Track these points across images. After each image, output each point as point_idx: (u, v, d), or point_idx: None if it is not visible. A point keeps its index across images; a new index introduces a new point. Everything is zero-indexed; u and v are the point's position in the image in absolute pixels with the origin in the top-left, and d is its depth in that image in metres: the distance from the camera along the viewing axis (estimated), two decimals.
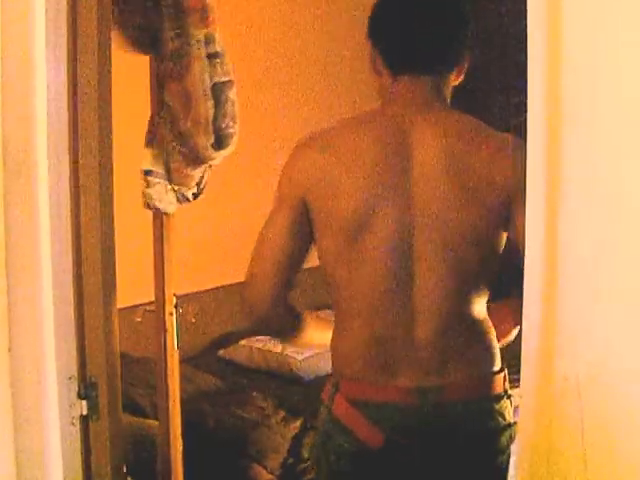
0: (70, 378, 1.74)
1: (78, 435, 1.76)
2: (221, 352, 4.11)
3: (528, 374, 1.33)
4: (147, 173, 2.22)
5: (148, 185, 2.21)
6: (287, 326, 1.90)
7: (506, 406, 1.82)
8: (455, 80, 1.84)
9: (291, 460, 3.08)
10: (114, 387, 1.80)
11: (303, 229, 1.78)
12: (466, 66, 1.83)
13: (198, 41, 2.06)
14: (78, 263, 1.74)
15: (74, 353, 1.75)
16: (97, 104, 1.72)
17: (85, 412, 1.76)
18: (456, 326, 1.76)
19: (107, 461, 1.79)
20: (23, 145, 1.65)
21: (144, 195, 2.24)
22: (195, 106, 2.10)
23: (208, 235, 4.10)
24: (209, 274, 4.17)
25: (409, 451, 1.75)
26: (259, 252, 1.84)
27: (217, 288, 4.25)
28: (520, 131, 1.37)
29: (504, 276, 1.77)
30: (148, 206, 2.25)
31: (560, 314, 1.27)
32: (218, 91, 2.11)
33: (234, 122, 2.15)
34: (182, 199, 2.28)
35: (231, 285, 4.32)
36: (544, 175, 1.27)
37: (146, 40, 2.04)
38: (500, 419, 1.79)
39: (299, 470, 3.08)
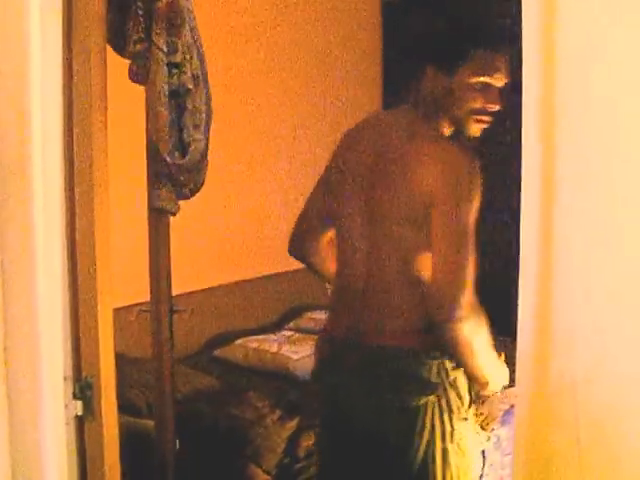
0: (65, 378, 1.74)
1: (73, 435, 1.76)
2: (217, 352, 4.10)
3: (523, 375, 1.33)
4: (155, 175, 2.22)
5: (155, 186, 2.21)
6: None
7: (425, 363, 2.06)
8: (424, 90, 2.10)
9: (287, 460, 3.08)
10: (109, 387, 1.80)
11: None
12: (425, 78, 2.09)
13: (159, 49, 2.07)
14: (73, 262, 1.74)
15: (69, 353, 1.75)
16: (93, 102, 1.72)
17: (80, 412, 1.75)
18: (392, 289, 2.11)
19: (102, 461, 1.79)
20: (18, 144, 1.65)
21: (150, 197, 2.23)
22: (153, 112, 2.12)
23: (204, 235, 4.10)
24: (205, 274, 4.17)
25: (339, 373, 2.20)
26: None
27: (212, 288, 4.25)
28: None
29: None
30: (153, 208, 2.24)
31: (555, 315, 1.27)
32: (175, 100, 2.13)
33: (197, 130, 2.16)
34: (181, 196, 2.28)
35: (227, 285, 4.33)
36: (538, 173, 1.27)
37: (112, 35, 2.03)
38: (412, 368, 2.06)
39: (295, 470, 3.08)
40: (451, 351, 2.02)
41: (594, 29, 1.21)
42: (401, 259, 2.07)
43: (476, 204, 1.94)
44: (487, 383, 2.14)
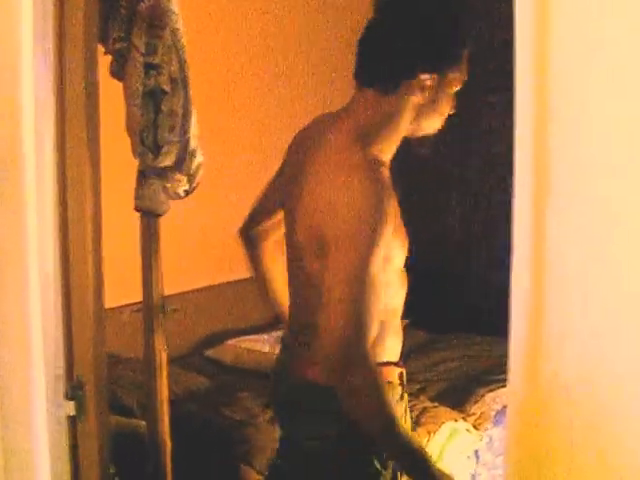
0: (57, 378, 1.73)
1: (65, 435, 1.76)
2: (209, 352, 4.09)
3: (516, 375, 1.33)
4: (142, 174, 2.21)
5: (142, 186, 2.20)
6: None
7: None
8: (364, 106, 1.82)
9: (279, 460, 3.08)
10: (101, 387, 1.80)
11: None
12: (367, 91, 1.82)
13: (137, 49, 2.07)
14: (65, 262, 1.74)
15: (61, 353, 1.74)
16: (84, 102, 1.72)
17: (72, 412, 1.75)
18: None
19: (94, 461, 1.79)
20: (10, 144, 1.64)
21: (137, 197, 2.22)
22: (127, 112, 2.12)
23: (196, 235, 4.09)
24: (197, 274, 4.16)
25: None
26: None
27: (205, 288, 4.24)
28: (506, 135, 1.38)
29: None
30: (139, 209, 2.24)
31: (548, 316, 1.27)
32: (150, 101, 2.13)
33: (172, 133, 2.15)
34: (174, 196, 2.28)
35: (218, 285, 4.32)
36: (531, 177, 1.27)
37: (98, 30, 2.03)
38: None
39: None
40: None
41: (588, 31, 1.22)
42: (305, 291, 1.88)
43: (380, 250, 1.65)
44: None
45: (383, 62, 1.78)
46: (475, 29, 1.93)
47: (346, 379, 1.61)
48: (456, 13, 1.81)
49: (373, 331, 1.63)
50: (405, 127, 1.83)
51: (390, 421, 1.66)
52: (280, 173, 2.09)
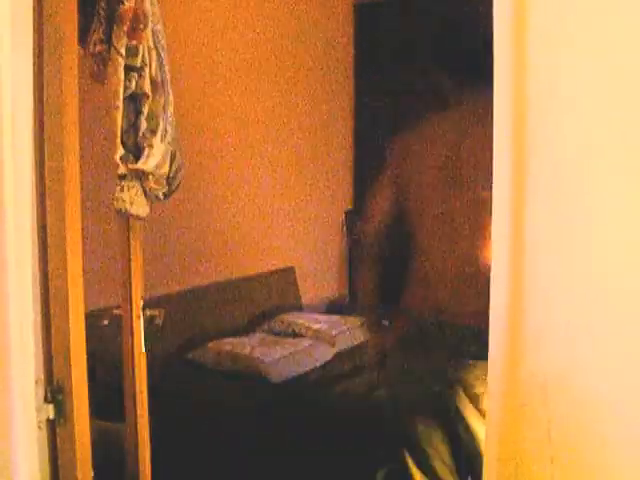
0: (36, 382, 1.72)
1: (45, 439, 1.75)
2: (189, 355, 4.09)
3: (495, 374, 1.34)
4: (122, 177, 2.21)
5: (122, 189, 2.20)
6: None
7: None
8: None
9: None
10: (81, 390, 1.79)
11: None
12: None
13: (118, 52, 2.07)
14: (44, 265, 1.73)
15: (40, 357, 1.73)
16: (63, 107, 1.71)
17: (52, 416, 1.74)
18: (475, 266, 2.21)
19: (74, 465, 1.78)
20: None
21: (117, 200, 2.22)
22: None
23: (176, 238, 4.08)
24: (177, 277, 4.16)
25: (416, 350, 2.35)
26: None
27: (185, 291, 4.24)
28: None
29: None
30: (120, 212, 2.23)
31: (526, 315, 1.28)
32: (131, 104, 2.13)
33: (153, 136, 2.15)
34: (153, 198, 2.27)
35: (199, 287, 4.32)
36: (509, 176, 1.28)
37: (78, 32, 2.03)
38: None
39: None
40: None
41: (565, 30, 1.23)
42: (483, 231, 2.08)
43: None
44: None
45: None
46: None
47: None
48: None
49: None
50: None
51: None
52: (391, 175, 2.40)
